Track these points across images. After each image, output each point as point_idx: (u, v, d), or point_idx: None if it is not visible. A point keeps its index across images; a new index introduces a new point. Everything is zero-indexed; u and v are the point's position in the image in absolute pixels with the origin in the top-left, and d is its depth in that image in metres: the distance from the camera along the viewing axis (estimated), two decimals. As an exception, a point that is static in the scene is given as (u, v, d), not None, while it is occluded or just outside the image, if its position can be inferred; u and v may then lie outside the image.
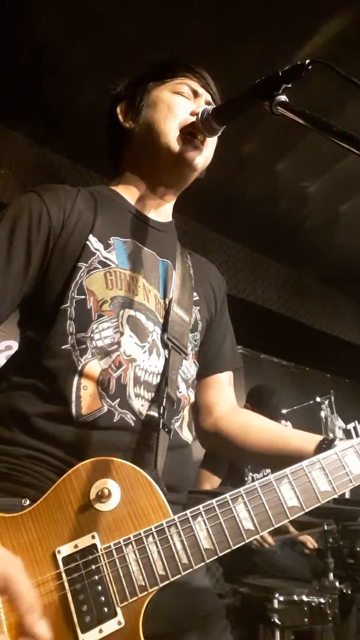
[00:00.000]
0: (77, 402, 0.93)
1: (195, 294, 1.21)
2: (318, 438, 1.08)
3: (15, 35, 2.70)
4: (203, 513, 0.83)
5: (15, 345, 3.26)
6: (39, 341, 0.99)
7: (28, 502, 0.84)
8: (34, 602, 0.68)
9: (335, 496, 0.89)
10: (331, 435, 0.96)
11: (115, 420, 0.94)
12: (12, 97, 2.98)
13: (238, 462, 3.07)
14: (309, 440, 1.09)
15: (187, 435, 1.09)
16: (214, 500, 0.84)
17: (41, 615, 0.68)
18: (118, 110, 1.22)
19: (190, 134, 1.13)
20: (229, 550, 0.82)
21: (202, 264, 1.32)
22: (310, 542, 3.10)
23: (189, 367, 1.13)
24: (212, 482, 3.01)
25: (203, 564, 0.80)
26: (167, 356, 1.05)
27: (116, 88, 1.25)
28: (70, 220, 1.05)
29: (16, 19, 2.61)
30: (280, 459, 0.91)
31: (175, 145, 1.12)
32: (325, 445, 1.04)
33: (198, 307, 1.21)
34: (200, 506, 0.84)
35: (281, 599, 2.26)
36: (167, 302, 1.11)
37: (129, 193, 1.20)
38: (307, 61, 0.85)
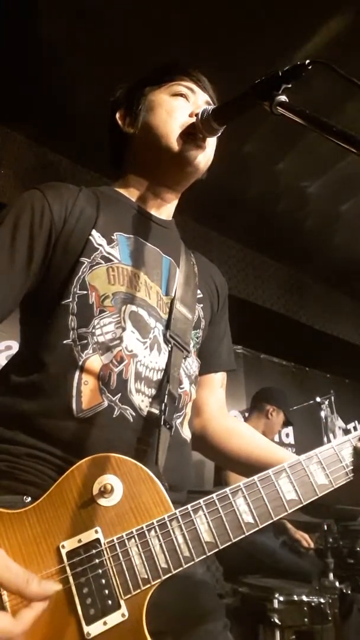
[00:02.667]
0: (78, 397, 0.93)
1: (199, 291, 1.21)
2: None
3: (15, 35, 2.71)
4: (204, 507, 0.84)
5: (15, 345, 3.28)
6: (40, 337, 0.99)
7: (29, 499, 0.85)
8: (27, 574, 0.71)
9: (332, 489, 0.90)
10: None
11: (115, 416, 0.93)
12: (12, 97, 2.98)
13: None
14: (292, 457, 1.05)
15: (187, 432, 1.09)
16: (214, 495, 0.85)
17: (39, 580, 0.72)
18: (117, 116, 1.23)
19: (191, 134, 1.13)
20: (230, 542, 0.83)
21: (206, 264, 1.33)
22: (305, 540, 3.09)
23: (191, 363, 1.13)
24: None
25: (204, 556, 0.81)
26: (168, 353, 1.05)
27: (115, 94, 1.26)
28: (72, 216, 1.06)
29: (17, 19, 2.62)
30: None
31: (176, 145, 1.13)
32: None
33: (201, 305, 1.21)
34: (201, 500, 0.85)
35: (281, 599, 2.25)
36: (170, 300, 1.12)
37: (131, 194, 1.21)
38: (307, 61, 0.85)
